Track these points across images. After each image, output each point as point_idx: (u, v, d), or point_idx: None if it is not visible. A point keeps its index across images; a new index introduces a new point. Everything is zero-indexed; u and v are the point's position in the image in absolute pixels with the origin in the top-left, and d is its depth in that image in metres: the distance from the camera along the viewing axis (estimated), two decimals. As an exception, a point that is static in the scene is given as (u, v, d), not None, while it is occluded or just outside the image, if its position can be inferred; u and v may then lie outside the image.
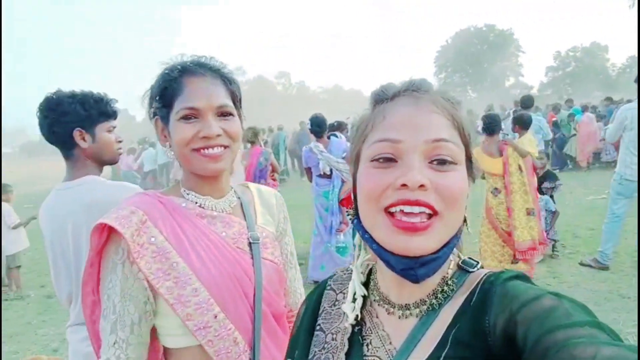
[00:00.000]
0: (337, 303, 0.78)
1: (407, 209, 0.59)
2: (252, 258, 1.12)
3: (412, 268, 0.61)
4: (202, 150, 1.05)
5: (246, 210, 1.19)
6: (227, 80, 1.11)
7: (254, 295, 1.09)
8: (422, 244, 0.59)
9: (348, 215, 0.74)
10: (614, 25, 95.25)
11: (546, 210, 5.18)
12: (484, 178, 4.49)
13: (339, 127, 5.80)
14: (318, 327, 0.76)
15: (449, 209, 0.60)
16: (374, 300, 0.73)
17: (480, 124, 4.64)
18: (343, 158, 4.71)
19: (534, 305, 0.55)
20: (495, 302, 0.60)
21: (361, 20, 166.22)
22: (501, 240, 4.54)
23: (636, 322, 3.48)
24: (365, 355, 0.69)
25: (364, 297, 0.74)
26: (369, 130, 0.66)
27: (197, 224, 1.08)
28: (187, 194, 1.12)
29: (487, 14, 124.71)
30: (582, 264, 4.90)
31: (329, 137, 4.85)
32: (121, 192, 1.53)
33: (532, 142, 4.65)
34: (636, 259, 4.90)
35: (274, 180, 4.63)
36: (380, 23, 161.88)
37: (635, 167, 4.34)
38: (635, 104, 4.42)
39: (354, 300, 0.73)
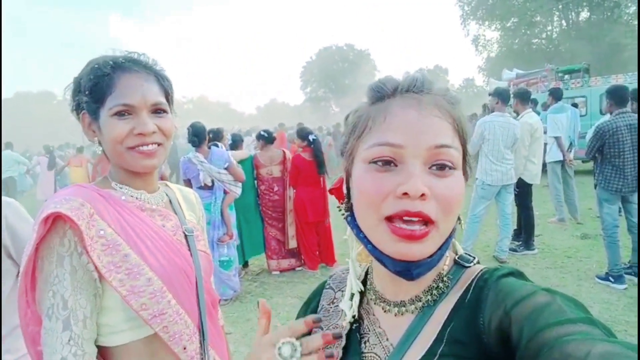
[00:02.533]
0: (335, 301, 0.79)
1: (406, 218, 0.58)
2: (189, 250, 1.17)
3: (408, 270, 0.61)
4: (137, 148, 1.05)
5: (175, 205, 1.23)
6: (160, 78, 1.12)
7: (196, 284, 1.15)
8: (419, 251, 0.59)
9: (340, 210, 0.71)
10: (452, 51, 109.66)
11: None
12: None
13: (217, 135, 5.58)
14: None
15: (446, 217, 0.60)
16: (370, 299, 0.74)
17: None
18: (225, 169, 4.56)
19: (527, 302, 0.55)
20: (489, 300, 0.60)
21: (230, 32, 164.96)
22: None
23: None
24: (362, 353, 0.70)
25: (362, 294, 0.75)
26: (368, 129, 0.64)
27: (139, 216, 1.09)
28: (121, 187, 1.12)
29: (347, 34, 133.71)
30: (447, 261, 5.42)
31: (209, 147, 4.64)
32: None
33: None
34: (487, 252, 5.64)
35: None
36: (248, 36, 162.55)
37: (495, 174, 4.98)
38: (490, 117, 5.09)
39: (352, 297, 0.74)
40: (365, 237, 0.64)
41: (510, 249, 5.44)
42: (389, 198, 0.59)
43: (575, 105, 8.86)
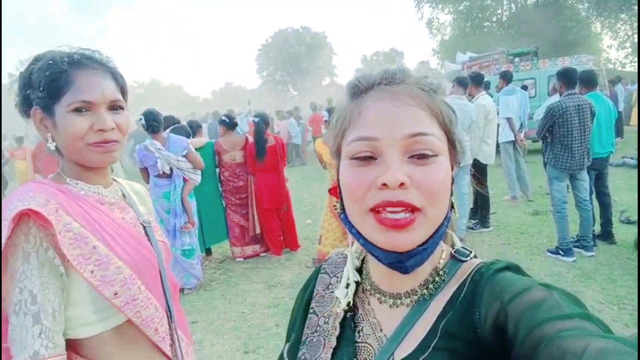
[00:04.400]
0: (330, 287, 0.79)
1: (389, 209, 0.59)
2: (149, 240, 1.21)
3: (400, 261, 0.61)
4: (97, 144, 1.07)
5: (129, 199, 1.26)
6: (115, 74, 1.14)
7: (160, 272, 1.20)
8: (407, 240, 0.59)
9: (336, 209, 0.70)
10: (407, 34, 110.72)
11: None
12: (325, 168, 4.75)
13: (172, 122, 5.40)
14: (311, 310, 0.78)
15: (431, 204, 0.60)
16: (366, 289, 0.73)
17: (326, 115, 4.87)
18: (184, 156, 4.43)
19: (523, 297, 0.55)
20: (485, 294, 0.60)
21: (182, 14, 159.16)
22: (341, 228, 4.86)
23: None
24: (356, 342, 0.70)
25: (357, 283, 0.74)
26: (347, 126, 0.65)
27: (101, 210, 1.11)
28: (77, 183, 1.13)
29: (303, 17, 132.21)
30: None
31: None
32: None
33: None
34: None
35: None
36: (201, 19, 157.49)
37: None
38: (449, 100, 5.17)
39: (347, 286, 0.73)
40: (357, 232, 0.64)
41: (467, 227, 5.64)
42: (371, 190, 0.59)
43: (525, 87, 9.20)
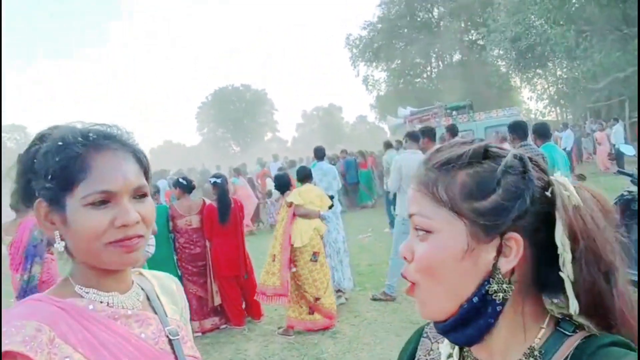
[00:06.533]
0: (431, 352, 0.78)
1: None
2: (176, 358, 0.97)
3: (444, 332, 0.67)
4: (118, 242, 0.86)
5: (154, 302, 1.03)
6: (138, 154, 0.95)
7: None
8: (418, 308, 0.68)
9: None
10: (345, 90, 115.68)
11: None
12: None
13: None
14: None
15: (423, 279, 0.65)
16: (465, 354, 0.72)
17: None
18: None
19: None
20: None
21: (118, 70, 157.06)
22: (297, 290, 4.70)
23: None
24: None
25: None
26: None
27: (112, 328, 0.90)
28: (87, 292, 0.92)
29: (243, 75, 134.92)
30: (374, 299, 5.39)
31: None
32: None
33: (303, 192, 4.81)
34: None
35: (52, 254, 3.57)
36: (138, 74, 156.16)
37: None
38: (405, 155, 5.27)
39: (449, 355, 0.73)
40: None
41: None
42: None
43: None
